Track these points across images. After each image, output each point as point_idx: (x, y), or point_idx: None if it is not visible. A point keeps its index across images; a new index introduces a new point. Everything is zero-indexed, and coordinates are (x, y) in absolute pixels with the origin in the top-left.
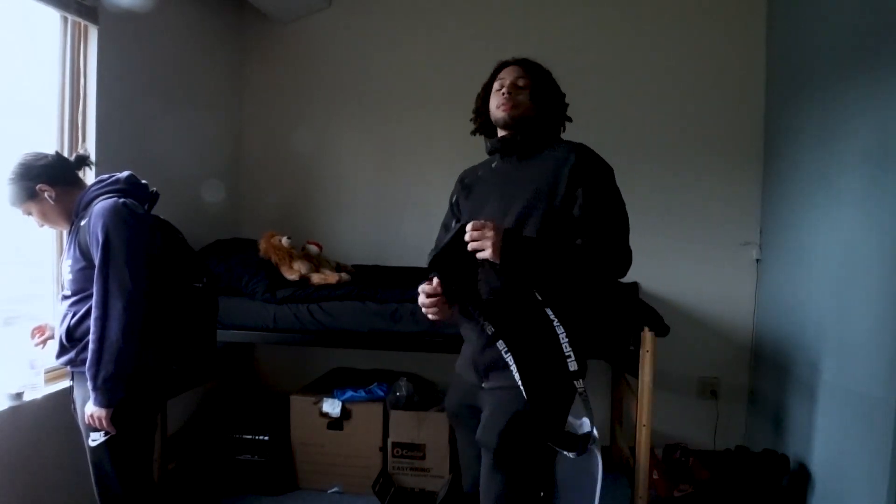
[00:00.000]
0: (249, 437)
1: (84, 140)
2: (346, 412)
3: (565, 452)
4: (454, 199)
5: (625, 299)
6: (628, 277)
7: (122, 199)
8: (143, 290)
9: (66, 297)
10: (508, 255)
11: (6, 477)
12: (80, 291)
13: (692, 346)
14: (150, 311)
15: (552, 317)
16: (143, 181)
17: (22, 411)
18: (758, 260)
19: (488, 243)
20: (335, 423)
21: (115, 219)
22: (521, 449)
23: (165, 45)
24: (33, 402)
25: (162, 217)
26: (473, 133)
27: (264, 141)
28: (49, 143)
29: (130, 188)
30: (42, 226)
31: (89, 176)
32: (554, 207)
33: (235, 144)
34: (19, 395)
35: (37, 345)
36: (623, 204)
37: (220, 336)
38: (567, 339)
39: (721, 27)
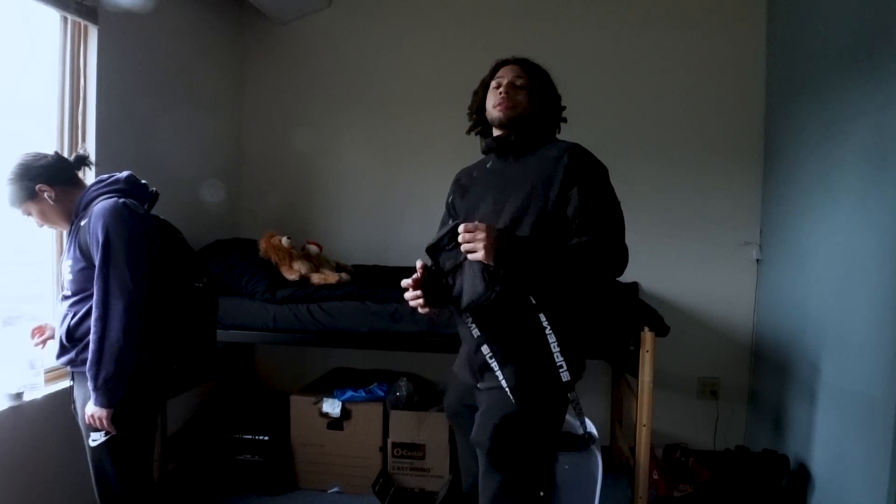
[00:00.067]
0: (249, 437)
1: (84, 140)
2: (346, 412)
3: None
4: (450, 199)
5: (625, 299)
6: (628, 277)
7: (122, 199)
8: (143, 291)
9: (66, 298)
10: (502, 256)
11: (6, 477)
12: (81, 291)
13: (692, 346)
14: (151, 311)
15: (545, 323)
16: (143, 181)
17: (22, 411)
18: (758, 260)
19: (480, 245)
20: (335, 423)
21: (116, 219)
22: (515, 449)
23: (165, 45)
24: (33, 402)
25: (162, 217)
26: (469, 132)
27: (264, 141)
28: (49, 143)
29: (130, 188)
30: (42, 226)
31: (89, 176)
32: (548, 207)
33: (235, 144)
34: (19, 395)
35: (37, 345)
36: (618, 203)
37: (220, 336)
38: (559, 349)
39: (721, 27)
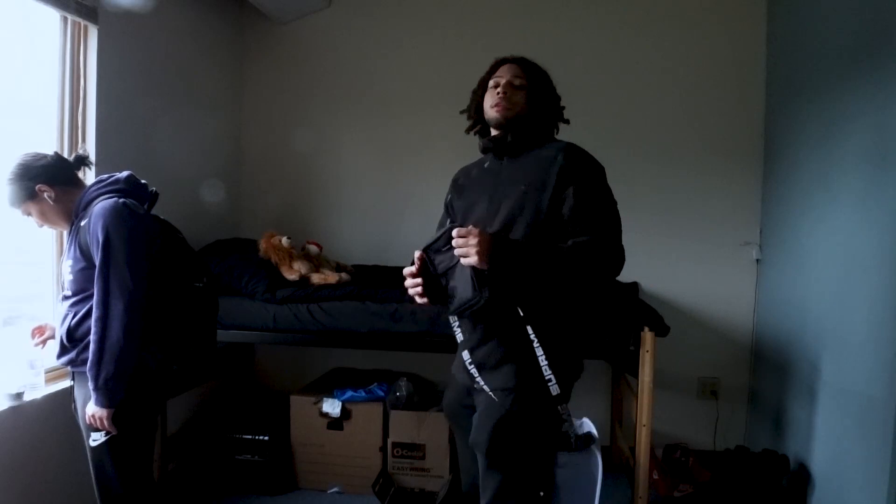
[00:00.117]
0: (249, 437)
1: (84, 140)
2: (346, 412)
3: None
4: (448, 198)
5: (625, 299)
6: (628, 277)
7: (122, 199)
8: (143, 291)
9: (66, 298)
10: (495, 261)
11: (6, 477)
12: (81, 292)
13: (692, 346)
14: (151, 311)
15: (532, 336)
16: (143, 181)
17: (22, 411)
18: (758, 260)
19: (473, 250)
20: (335, 423)
21: (116, 219)
22: (512, 450)
23: (165, 45)
24: (33, 402)
25: (162, 217)
26: (468, 131)
27: (264, 141)
28: (49, 143)
29: (130, 188)
30: (42, 226)
31: (89, 176)
32: (542, 208)
33: (235, 144)
34: (19, 395)
35: (37, 345)
36: (614, 203)
37: (220, 336)
38: (547, 362)
39: (721, 27)
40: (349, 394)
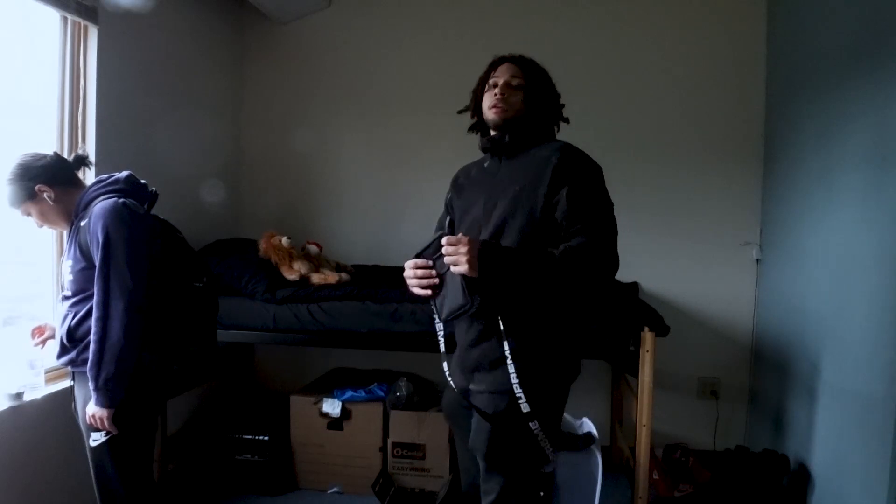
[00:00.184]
0: (249, 437)
1: (84, 140)
2: (346, 412)
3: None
4: (448, 198)
5: (625, 299)
6: (628, 277)
7: (121, 199)
8: (143, 291)
9: (66, 298)
10: (486, 269)
11: (6, 477)
12: (81, 292)
13: (692, 346)
14: (151, 311)
15: (507, 353)
16: (143, 181)
17: (22, 411)
18: (758, 260)
19: (463, 258)
20: (335, 423)
21: (115, 219)
22: (510, 454)
23: (165, 45)
24: (33, 402)
25: (162, 217)
26: (470, 130)
27: (264, 141)
28: (49, 143)
29: (130, 188)
30: (41, 226)
31: (89, 176)
32: (536, 209)
33: (235, 144)
34: (19, 395)
35: (37, 345)
36: (610, 205)
37: (220, 336)
38: (518, 380)
39: (721, 27)
40: (349, 394)
